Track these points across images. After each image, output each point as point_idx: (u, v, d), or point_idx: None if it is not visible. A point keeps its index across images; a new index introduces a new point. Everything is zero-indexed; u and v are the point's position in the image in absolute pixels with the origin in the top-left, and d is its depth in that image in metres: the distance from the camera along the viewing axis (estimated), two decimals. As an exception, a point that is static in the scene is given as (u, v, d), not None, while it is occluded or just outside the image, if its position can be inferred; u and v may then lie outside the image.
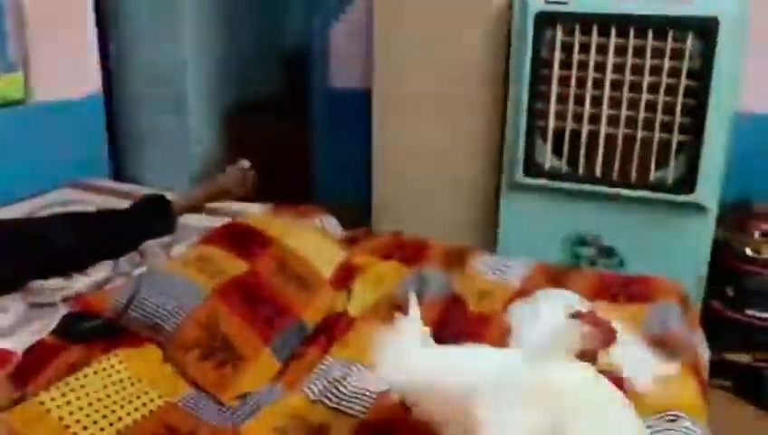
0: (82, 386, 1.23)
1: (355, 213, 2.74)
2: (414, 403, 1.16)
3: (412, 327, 1.22)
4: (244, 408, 1.33)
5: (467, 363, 1.16)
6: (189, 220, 2.10)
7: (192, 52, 3.13)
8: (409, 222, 2.45)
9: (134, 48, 3.06)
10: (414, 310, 1.23)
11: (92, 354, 1.33)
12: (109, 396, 1.23)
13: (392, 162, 2.61)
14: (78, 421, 1.17)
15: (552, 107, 2.22)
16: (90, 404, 1.21)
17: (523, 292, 1.73)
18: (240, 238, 1.70)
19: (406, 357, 1.17)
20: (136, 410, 1.23)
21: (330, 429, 1.27)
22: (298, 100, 3.23)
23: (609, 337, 1.07)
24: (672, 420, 1.27)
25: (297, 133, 3.21)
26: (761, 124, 2.45)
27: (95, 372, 1.27)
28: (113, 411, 1.21)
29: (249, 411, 1.32)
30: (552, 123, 2.23)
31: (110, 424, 1.19)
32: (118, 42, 3.05)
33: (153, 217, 1.99)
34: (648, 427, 1.23)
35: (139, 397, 1.26)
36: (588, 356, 1.17)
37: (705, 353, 1.71)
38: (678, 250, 2.20)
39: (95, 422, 1.18)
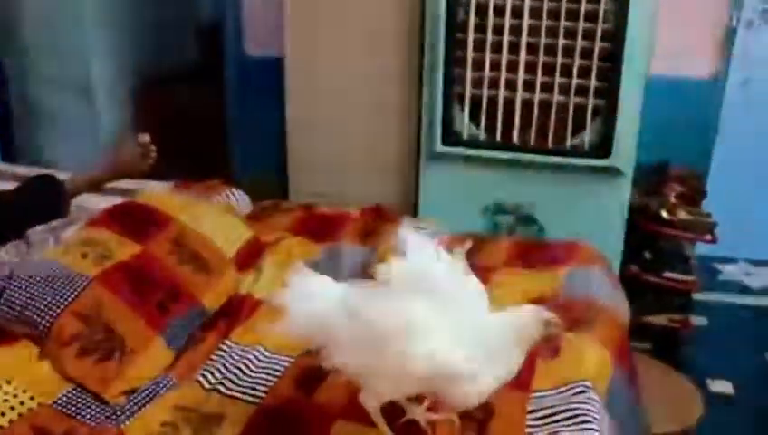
0: (-62, 392, 1.11)
1: (272, 186, 2.63)
2: (323, 346, 1.10)
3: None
4: (130, 404, 1.23)
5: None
6: (85, 202, 1.94)
7: (96, 17, 2.90)
8: (327, 194, 2.37)
9: (26, 11, 2.80)
10: None
11: (-45, 356, 1.20)
12: (-31, 401, 1.11)
13: (308, 133, 2.51)
14: (-69, 432, 1.05)
15: (469, 73, 2.16)
16: (-54, 411, 1.08)
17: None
18: (131, 219, 1.57)
19: (315, 294, 1.12)
20: (2, 414, 1.11)
21: (223, 418, 1.19)
22: (213, 69, 3.07)
23: None
24: (580, 392, 1.24)
25: (213, 104, 3.05)
26: (675, 87, 2.46)
27: (-46, 376, 1.14)
28: (-27, 418, 1.09)
29: (136, 408, 1.22)
30: (468, 90, 2.18)
31: (-30, 432, 1.07)
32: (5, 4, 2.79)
33: (41, 200, 1.82)
34: (552, 406, 1.21)
35: (6, 400, 1.14)
36: (551, 342, 1.15)
37: (625, 317, 1.69)
38: (596, 215, 2.20)
39: (-49, 432, 1.06)
